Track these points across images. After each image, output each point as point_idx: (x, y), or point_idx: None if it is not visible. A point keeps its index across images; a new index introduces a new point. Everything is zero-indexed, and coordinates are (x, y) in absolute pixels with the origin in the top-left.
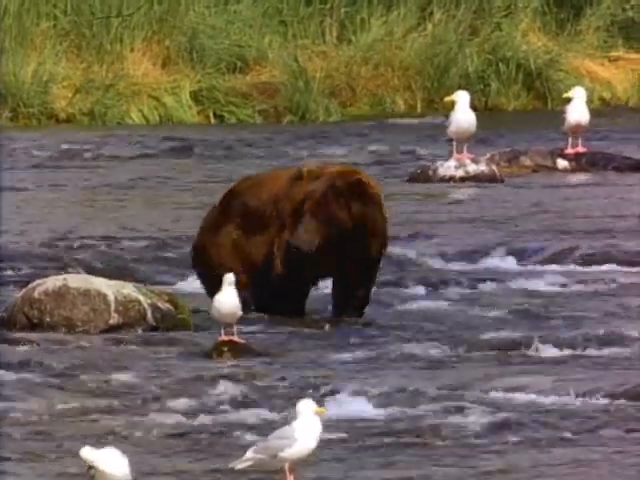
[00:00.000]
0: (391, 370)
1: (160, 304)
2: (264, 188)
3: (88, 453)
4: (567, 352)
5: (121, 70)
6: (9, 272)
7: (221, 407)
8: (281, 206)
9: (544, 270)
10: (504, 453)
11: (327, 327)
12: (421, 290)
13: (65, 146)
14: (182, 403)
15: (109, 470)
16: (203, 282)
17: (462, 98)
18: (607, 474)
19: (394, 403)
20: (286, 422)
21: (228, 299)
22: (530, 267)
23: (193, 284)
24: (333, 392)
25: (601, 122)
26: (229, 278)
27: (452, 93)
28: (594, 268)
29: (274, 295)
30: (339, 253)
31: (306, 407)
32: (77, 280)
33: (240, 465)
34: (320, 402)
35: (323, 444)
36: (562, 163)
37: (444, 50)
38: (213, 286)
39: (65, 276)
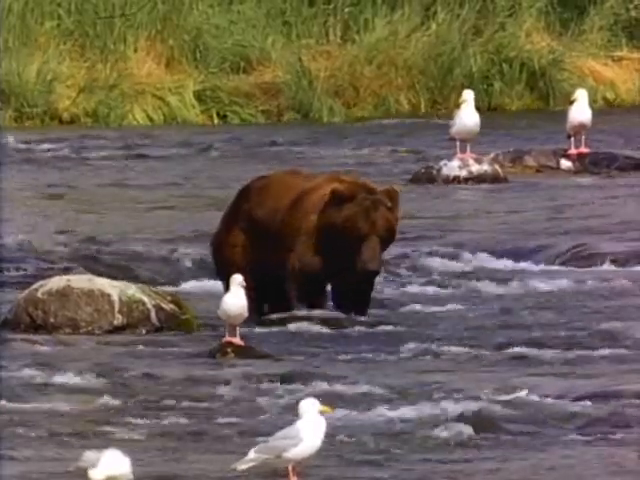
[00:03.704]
0: (395, 370)
1: (164, 305)
2: (269, 195)
3: (98, 474)
4: (569, 352)
5: (125, 70)
6: (12, 272)
7: (224, 408)
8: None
9: (547, 270)
10: (509, 453)
11: (330, 327)
12: (424, 290)
13: (68, 146)
14: (185, 404)
15: (124, 474)
16: (220, 279)
17: (469, 98)
18: (608, 474)
19: (398, 403)
20: (290, 422)
21: (235, 300)
22: (533, 267)
23: (197, 285)
24: (337, 392)
25: (604, 122)
26: (237, 279)
27: (456, 93)
28: (597, 268)
29: (278, 298)
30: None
31: (310, 406)
32: (81, 280)
33: (243, 466)
34: (324, 402)
35: (327, 444)
36: (565, 163)
37: (448, 50)
38: (227, 284)
39: (69, 276)
